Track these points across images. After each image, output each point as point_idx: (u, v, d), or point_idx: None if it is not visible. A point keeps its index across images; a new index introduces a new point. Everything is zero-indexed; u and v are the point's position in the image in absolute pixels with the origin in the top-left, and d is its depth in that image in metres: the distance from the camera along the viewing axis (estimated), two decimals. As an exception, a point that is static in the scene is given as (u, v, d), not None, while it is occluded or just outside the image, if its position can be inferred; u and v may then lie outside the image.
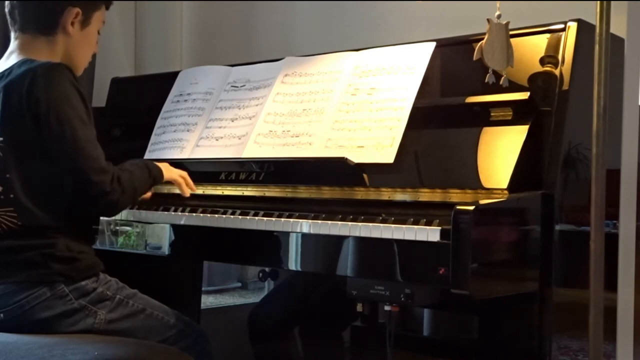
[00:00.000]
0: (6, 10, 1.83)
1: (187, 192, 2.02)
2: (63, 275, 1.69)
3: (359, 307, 2.04)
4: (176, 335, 1.81)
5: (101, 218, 1.92)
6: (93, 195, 1.70)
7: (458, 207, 1.48)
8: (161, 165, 1.96)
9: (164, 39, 3.26)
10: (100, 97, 2.84)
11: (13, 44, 1.82)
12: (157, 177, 1.92)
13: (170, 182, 2.02)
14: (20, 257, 1.69)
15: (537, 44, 1.80)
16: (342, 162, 1.83)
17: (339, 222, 1.70)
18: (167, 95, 2.43)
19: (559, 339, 1.72)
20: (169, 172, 1.99)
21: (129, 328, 1.73)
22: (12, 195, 1.70)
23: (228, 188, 2.09)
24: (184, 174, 2.04)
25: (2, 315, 1.68)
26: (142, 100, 2.67)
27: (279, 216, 1.83)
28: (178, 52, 3.28)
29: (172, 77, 2.48)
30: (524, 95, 1.72)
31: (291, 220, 1.79)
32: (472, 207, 1.48)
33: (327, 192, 1.92)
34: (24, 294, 1.66)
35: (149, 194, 2.05)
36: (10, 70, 1.75)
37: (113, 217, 2.04)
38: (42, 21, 1.80)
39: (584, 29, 1.75)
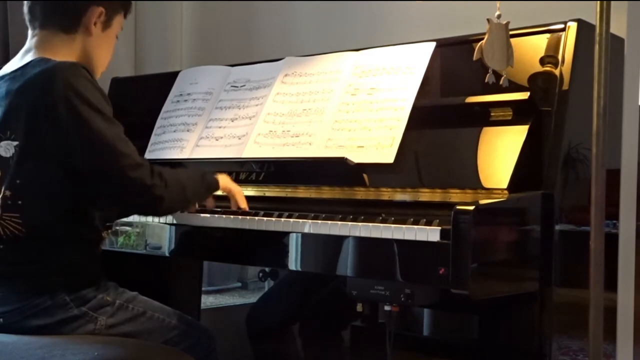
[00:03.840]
0: (25, 9, 1.80)
1: (244, 204, 1.92)
2: (64, 285, 1.67)
3: (359, 307, 2.04)
4: (178, 337, 1.79)
5: None
6: (134, 193, 1.65)
7: (458, 207, 1.48)
8: (218, 175, 1.90)
9: (164, 39, 3.26)
10: (100, 97, 2.84)
11: (30, 41, 1.78)
12: (211, 182, 1.86)
13: None
14: (23, 268, 1.67)
15: (537, 44, 1.80)
16: (342, 162, 1.83)
17: (339, 222, 1.70)
18: (167, 95, 2.43)
19: (559, 339, 1.72)
20: (226, 182, 1.92)
21: (130, 332, 1.72)
22: (20, 202, 1.66)
23: (228, 188, 2.09)
24: (240, 189, 1.95)
25: (1, 320, 1.67)
26: (142, 100, 2.67)
27: (279, 216, 1.83)
28: (178, 52, 3.28)
29: (172, 77, 2.48)
30: (524, 95, 1.72)
31: (291, 220, 1.79)
32: (472, 207, 1.48)
33: (327, 192, 1.92)
34: (25, 302, 1.65)
35: (211, 203, 1.96)
36: (23, 69, 1.71)
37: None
38: (65, 18, 1.77)
39: (584, 29, 1.75)
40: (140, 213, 1.92)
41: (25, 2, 1.80)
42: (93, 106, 1.63)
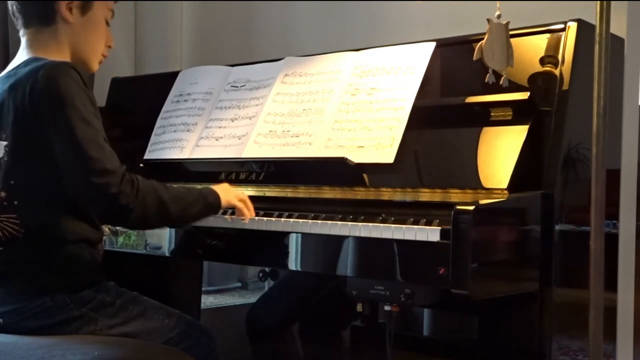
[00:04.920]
0: (10, 12, 1.81)
1: (248, 218, 1.84)
2: (64, 285, 1.67)
3: (359, 307, 2.04)
4: (178, 337, 1.79)
5: None
6: (98, 200, 1.59)
7: (458, 207, 1.48)
8: (219, 189, 1.81)
9: (164, 39, 3.26)
10: (100, 97, 2.83)
11: (22, 41, 1.79)
12: (210, 201, 1.77)
13: None
14: (22, 268, 1.67)
15: (537, 44, 1.80)
16: (342, 162, 1.83)
17: (339, 222, 1.70)
18: (167, 95, 2.43)
19: (559, 339, 1.72)
20: (228, 196, 1.82)
21: (130, 332, 1.72)
22: (16, 202, 1.65)
23: (228, 188, 2.09)
24: (244, 196, 1.87)
25: (1, 320, 1.67)
26: (142, 100, 2.67)
27: (279, 216, 1.83)
28: (178, 52, 3.28)
29: (172, 77, 2.48)
30: (524, 95, 1.72)
31: (291, 220, 1.79)
32: (472, 207, 1.48)
33: (327, 192, 1.91)
34: (25, 302, 1.65)
35: None
36: (17, 69, 1.71)
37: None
38: (39, 13, 1.76)
39: (584, 29, 1.75)
40: (108, 222, 1.86)
41: (8, 3, 1.81)
42: (73, 107, 1.60)
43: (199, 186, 1.86)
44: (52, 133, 1.61)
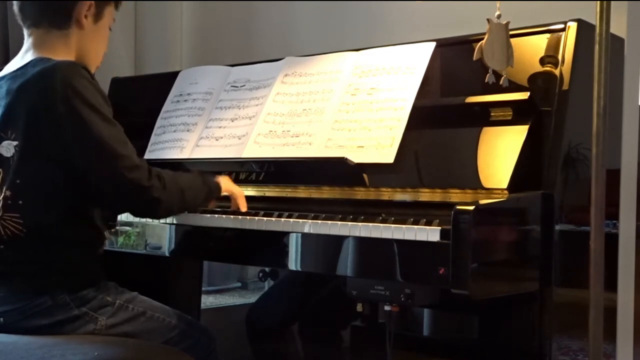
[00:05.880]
0: (15, 8, 1.80)
1: (244, 207, 1.91)
2: (65, 285, 1.67)
3: (359, 307, 2.04)
4: (178, 336, 1.80)
5: None
6: (131, 195, 1.65)
7: (458, 207, 1.48)
8: (220, 178, 1.90)
9: (164, 39, 3.26)
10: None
11: (27, 41, 1.79)
12: (212, 188, 1.86)
13: None
14: (23, 268, 1.67)
15: (537, 44, 1.80)
16: (342, 162, 1.83)
17: (339, 222, 1.70)
18: (167, 95, 2.43)
19: (559, 339, 1.72)
20: (228, 185, 1.92)
21: (130, 332, 1.72)
22: (20, 202, 1.66)
23: (228, 188, 2.10)
24: (242, 191, 1.96)
25: (1, 319, 1.67)
26: (142, 100, 2.67)
27: (279, 216, 1.83)
28: (178, 52, 3.28)
29: (172, 77, 2.48)
30: (524, 95, 1.72)
31: (291, 220, 1.79)
32: (472, 207, 1.48)
33: (327, 192, 1.92)
34: (25, 302, 1.65)
35: (212, 204, 1.94)
36: (24, 69, 1.71)
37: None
38: (55, 15, 1.76)
39: (584, 29, 1.75)
40: (137, 215, 1.92)
41: (15, 2, 1.80)
42: (92, 107, 1.63)
43: None
44: (70, 133, 1.62)
